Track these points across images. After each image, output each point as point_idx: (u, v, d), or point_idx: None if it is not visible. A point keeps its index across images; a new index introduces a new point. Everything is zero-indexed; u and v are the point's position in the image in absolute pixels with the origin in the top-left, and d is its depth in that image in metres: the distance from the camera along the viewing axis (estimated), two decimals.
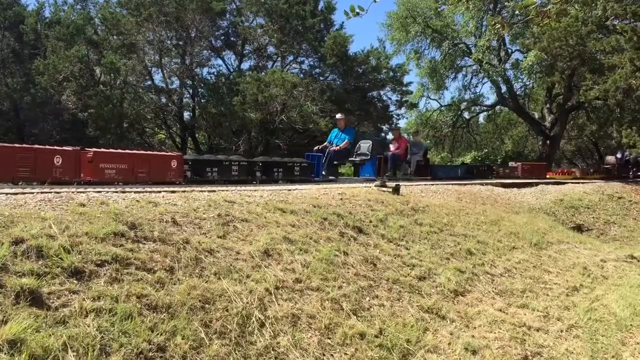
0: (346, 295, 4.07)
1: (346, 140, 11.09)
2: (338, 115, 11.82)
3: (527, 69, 23.04)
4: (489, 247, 6.73)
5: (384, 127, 29.24)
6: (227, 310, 3.27)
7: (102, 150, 7.41)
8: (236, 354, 2.99)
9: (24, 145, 7.12)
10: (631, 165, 21.21)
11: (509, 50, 25.62)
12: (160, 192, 5.25)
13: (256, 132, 23.66)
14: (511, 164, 22.37)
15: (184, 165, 8.03)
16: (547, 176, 20.19)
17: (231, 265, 3.86)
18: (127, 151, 7.65)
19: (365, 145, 12.26)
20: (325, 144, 11.45)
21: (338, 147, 10.97)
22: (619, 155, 21.43)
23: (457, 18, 25.71)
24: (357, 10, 3.49)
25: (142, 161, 7.44)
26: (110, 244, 3.45)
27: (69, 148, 6.94)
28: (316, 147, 11.31)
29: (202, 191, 5.66)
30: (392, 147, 13.12)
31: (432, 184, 11.12)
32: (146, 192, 5.16)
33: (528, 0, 3.42)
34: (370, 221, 6.14)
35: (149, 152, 7.90)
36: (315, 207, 5.89)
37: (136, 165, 7.23)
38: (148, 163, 7.46)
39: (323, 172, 10.60)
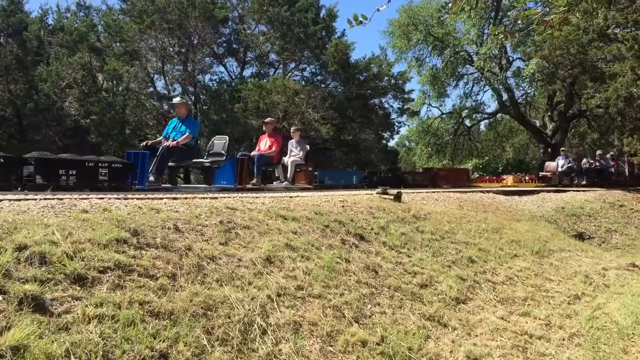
0: (348, 303, 4.07)
1: (187, 134, 8.28)
2: (176, 100, 8.95)
3: (528, 77, 23.16)
4: (491, 254, 6.72)
5: (385, 135, 29.34)
6: (229, 317, 3.27)
7: None
8: None
9: None
10: (574, 173, 18.67)
11: (511, 58, 25.80)
12: (162, 198, 5.26)
13: (258, 139, 23.69)
14: (425, 169, 21.22)
15: None
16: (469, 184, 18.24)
17: (233, 272, 3.86)
18: None
19: (219, 143, 9.41)
20: (159, 138, 8.61)
21: (176, 143, 8.11)
22: (560, 162, 18.55)
23: (458, 26, 25.94)
24: (360, 19, 3.52)
25: None
26: (113, 250, 3.46)
27: None
28: (144, 143, 8.46)
29: (203, 198, 5.67)
30: (261, 146, 10.43)
31: (434, 192, 11.09)
32: (148, 198, 5.17)
33: (531, 10, 3.45)
34: (372, 228, 6.15)
35: None
36: (317, 214, 5.90)
37: None
38: None
39: (151, 178, 7.69)
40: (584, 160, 19.27)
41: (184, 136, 8.24)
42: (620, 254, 9.94)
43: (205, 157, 9.21)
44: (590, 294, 6.23)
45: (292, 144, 11.10)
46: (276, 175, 11.09)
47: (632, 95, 15.98)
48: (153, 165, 7.87)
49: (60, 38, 22.28)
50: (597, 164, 18.75)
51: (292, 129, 11.41)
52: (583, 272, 7.14)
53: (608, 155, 19.34)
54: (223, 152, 9.14)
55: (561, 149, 20.66)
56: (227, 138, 9.64)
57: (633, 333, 4.90)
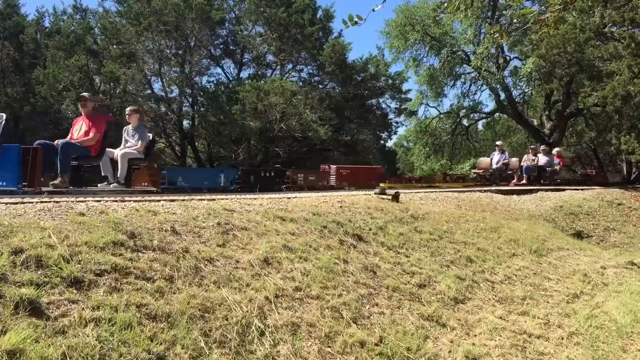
0: (346, 304, 4.06)
1: None
2: None
3: (525, 76, 23.11)
4: (489, 254, 6.72)
5: (383, 135, 29.36)
6: (226, 319, 3.26)
7: None
8: None
9: None
10: (511, 170, 16.63)
11: (508, 58, 25.74)
12: (159, 200, 5.25)
13: (255, 141, 23.73)
14: (323, 167, 18.49)
15: None
16: (384, 184, 14.90)
17: (231, 274, 3.85)
18: None
19: None
20: None
21: None
22: (495, 158, 16.43)
23: (455, 25, 25.87)
24: (356, 19, 3.52)
25: None
26: (110, 253, 3.45)
27: None
28: None
29: (201, 200, 5.66)
30: (74, 132, 7.39)
31: (432, 192, 11.09)
32: (145, 200, 5.16)
33: (526, 9, 3.45)
34: (370, 229, 6.13)
35: None
36: (314, 215, 5.89)
37: None
38: None
39: None
40: (525, 156, 17.28)
41: None
42: (619, 253, 9.95)
43: None
44: (589, 292, 6.23)
45: (127, 131, 8.18)
46: (103, 173, 7.93)
47: (630, 93, 15.97)
48: None
49: (57, 41, 22.28)
50: (542, 161, 16.85)
51: (127, 110, 8.40)
52: (582, 271, 7.14)
53: (554, 152, 17.56)
54: None
55: (496, 143, 18.18)
56: (4, 116, 6.42)
57: (632, 331, 4.90)
